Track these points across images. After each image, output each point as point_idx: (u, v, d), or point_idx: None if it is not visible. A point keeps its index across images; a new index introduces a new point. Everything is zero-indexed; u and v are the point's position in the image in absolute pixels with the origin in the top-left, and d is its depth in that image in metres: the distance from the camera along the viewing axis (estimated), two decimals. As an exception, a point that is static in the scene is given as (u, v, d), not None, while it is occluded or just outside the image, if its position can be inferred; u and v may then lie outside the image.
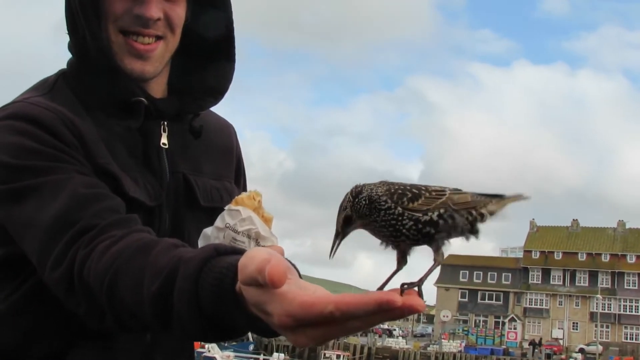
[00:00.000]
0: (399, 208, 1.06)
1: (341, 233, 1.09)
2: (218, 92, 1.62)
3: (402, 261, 1.10)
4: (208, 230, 1.41)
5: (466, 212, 1.08)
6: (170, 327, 1.06)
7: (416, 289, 1.00)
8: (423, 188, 1.09)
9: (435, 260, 1.08)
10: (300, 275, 0.93)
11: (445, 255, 1.11)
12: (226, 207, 1.40)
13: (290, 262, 0.93)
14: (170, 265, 1.05)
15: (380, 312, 0.79)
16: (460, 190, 1.11)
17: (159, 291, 1.05)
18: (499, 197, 1.12)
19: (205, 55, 1.61)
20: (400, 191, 1.08)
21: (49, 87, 1.48)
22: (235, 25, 1.60)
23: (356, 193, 1.08)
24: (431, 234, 1.06)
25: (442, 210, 1.07)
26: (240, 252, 0.95)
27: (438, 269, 1.10)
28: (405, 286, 0.99)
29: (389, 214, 1.06)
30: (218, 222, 1.40)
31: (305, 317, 0.81)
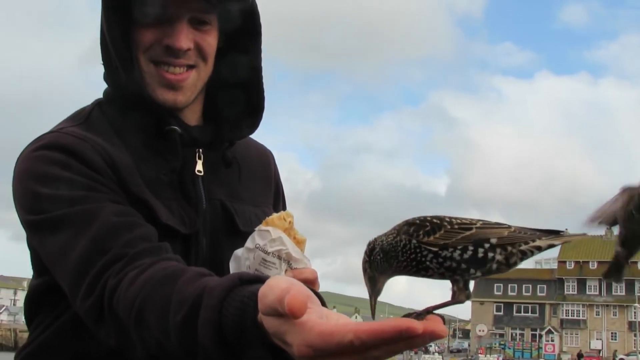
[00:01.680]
0: (414, 241, 1.02)
1: (373, 293, 1.07)
2: (252, 121, 1.61)
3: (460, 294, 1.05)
4: (239, 252, 1.40)
5: (500, 248, 1.02)
6: (196, 357, 1.04)
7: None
8: (447, 220, 1.03)
9: (456, 297, 1.04)
10: (324, 304, 0.92)
11: (471, 297, 1.06)
12: (256, 228, 1.39)
13: (313, 291, 0.91)
14: (195, 295, 1.04)
15: (401, 339, 0.77)
16: (501, 224, 1.05)
17: (184, 321, 1.04)
18: (554, 234, 1.05)
19: (236, 89, 1.59)
20: (418, 222, 1.04)
21: (85, 117, 1.49)
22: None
23: (370, 251, 1.05)
24: (453, 268, 1.02)
25: (466, 245, 1.01)
26: (265, 279, 0.93)
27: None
28: (413, 315, 0.97)
29: (405, 250, 1.02)
30: (248, 243, 1.39)
31: (325, 347, 0.79)
